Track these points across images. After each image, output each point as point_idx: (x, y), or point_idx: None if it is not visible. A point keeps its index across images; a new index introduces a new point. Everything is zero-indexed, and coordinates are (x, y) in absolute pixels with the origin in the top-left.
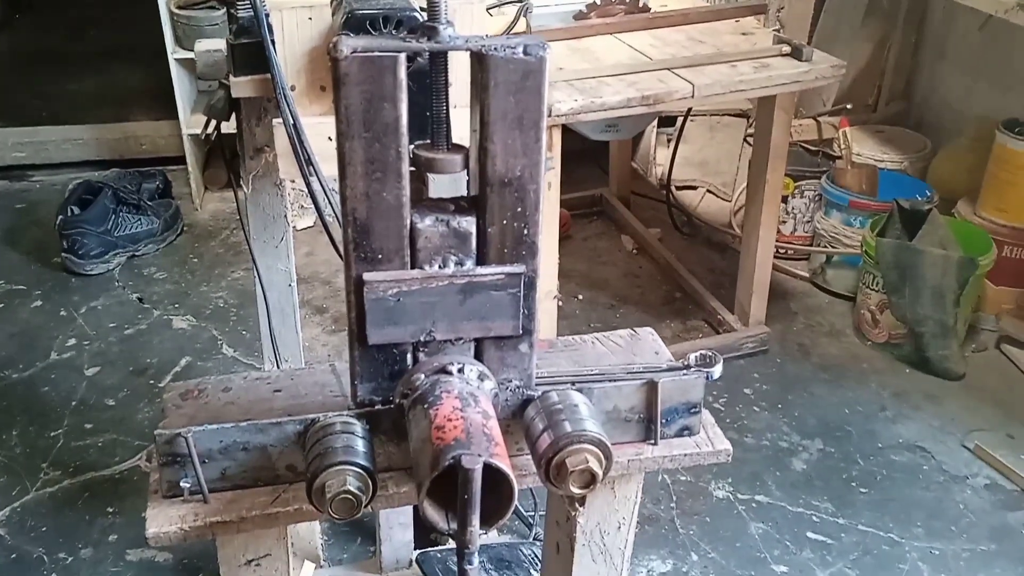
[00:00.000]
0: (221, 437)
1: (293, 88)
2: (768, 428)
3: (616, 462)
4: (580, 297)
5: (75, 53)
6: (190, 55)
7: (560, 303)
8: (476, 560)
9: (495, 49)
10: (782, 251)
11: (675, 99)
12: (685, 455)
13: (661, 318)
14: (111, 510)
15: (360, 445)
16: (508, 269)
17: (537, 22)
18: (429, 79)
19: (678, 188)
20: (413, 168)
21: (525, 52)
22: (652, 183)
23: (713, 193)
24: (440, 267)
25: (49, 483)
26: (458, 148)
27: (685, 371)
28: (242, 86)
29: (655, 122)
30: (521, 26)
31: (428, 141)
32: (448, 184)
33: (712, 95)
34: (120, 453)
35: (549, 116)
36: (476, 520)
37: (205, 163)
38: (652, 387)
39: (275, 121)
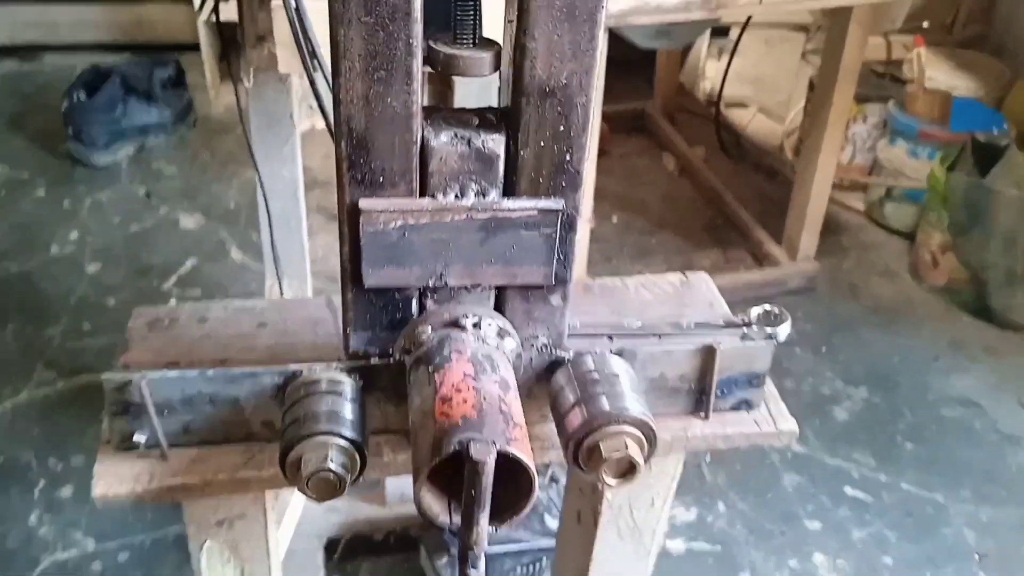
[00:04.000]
0: (183, 386)
1: None
2: (809, 372)
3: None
4: (615, 220)
5: None
6: None
7: (593, 226)
8: (482, 565)
9: None
10: (837, 180)
11: (740, 4)
12: (741, 434)
13: (701, 246)
14: None
15: (348, 411)
16: (543, 204)
17: None
18: None
19: (728, 106)
20: (429, 69)
21: None
22: (700, 99)
23: (766, 113)
24: (457, 197)
25: (43, 384)
26: (489, 44)
27: (745, 329)
28: None
29: (707, 32)
30: None
31: (449, 33)
32: (475, 92)
33: (782, 1)
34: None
35: None
36: (484, 519)
37: (222, 52)
38: (709, 354)
39: (275, 4)
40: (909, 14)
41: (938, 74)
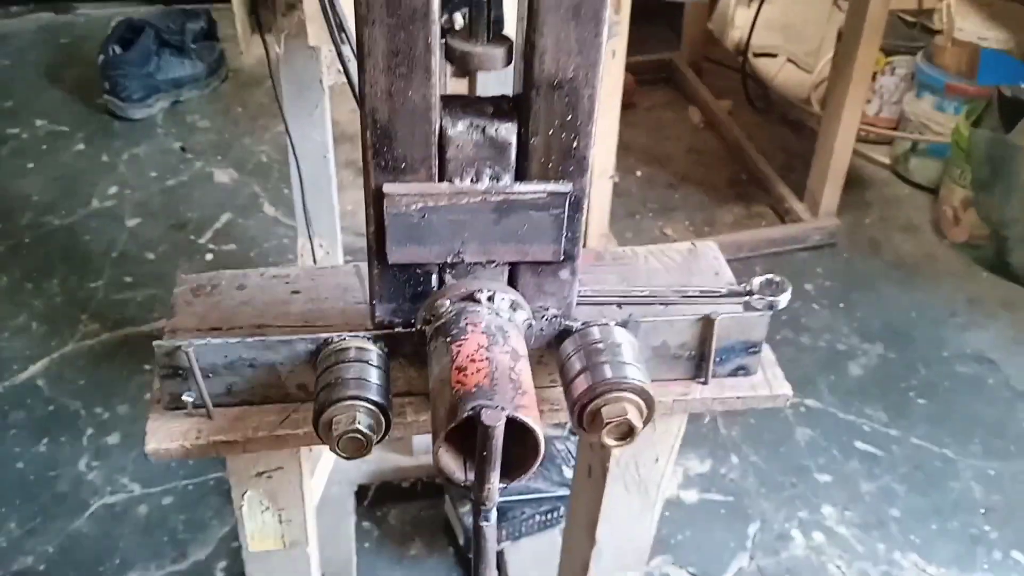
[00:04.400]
0: (226, 352)
1: None
2: (826, 328)
3: (659, 401)
4: (639, 174)
5: None
6: None
7: (616, 180)
8: (494, 517)
9: None
10: (863, 133)
11: None
12: (737, 398)
13: (723, 202)
14: (148, 367)
15: (374, 376)
16: (551, 187)
17: None
18: None
19: (756, 55)
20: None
21: None
22: (728, 49)
23: (794, 63)
24: (473, 181)
25: (88, 335)
26: (503, 39)
27: (747, 298)
28: None
29: None
30: None
31: (466, 29)
32: (495, 75)
33: None
34: (159, 310)
35: None
36: (495, 477)
37: (252, 4)
38: (707, 324)
39: None
40: None
41: (968, 24)
